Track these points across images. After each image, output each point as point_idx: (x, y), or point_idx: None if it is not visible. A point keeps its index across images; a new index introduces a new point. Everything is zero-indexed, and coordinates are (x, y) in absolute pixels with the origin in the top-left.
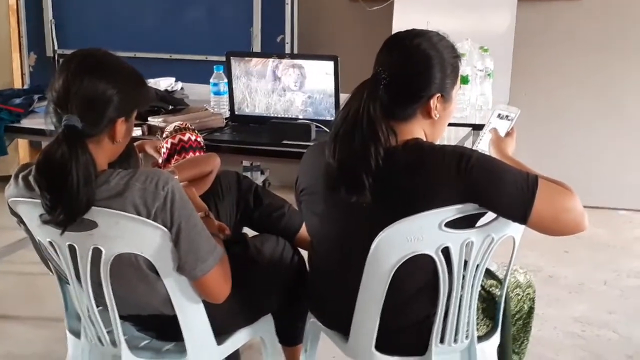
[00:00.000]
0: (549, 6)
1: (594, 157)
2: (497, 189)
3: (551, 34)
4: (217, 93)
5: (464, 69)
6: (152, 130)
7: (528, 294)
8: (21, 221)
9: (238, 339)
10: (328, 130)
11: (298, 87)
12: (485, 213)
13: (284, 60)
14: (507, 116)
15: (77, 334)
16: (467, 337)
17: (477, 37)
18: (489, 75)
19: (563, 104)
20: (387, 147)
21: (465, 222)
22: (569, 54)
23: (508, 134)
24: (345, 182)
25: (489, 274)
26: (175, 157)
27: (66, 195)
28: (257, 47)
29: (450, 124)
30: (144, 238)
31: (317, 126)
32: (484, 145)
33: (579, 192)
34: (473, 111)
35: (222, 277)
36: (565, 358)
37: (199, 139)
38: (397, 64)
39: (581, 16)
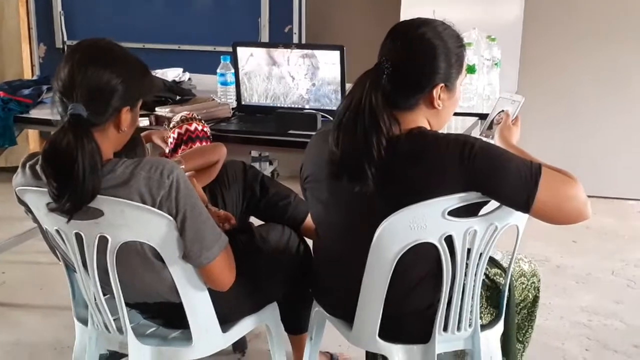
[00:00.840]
0: None
1: (602, 147)
2: (500, 177)
3: (560, 21)
4: (224, 83)
5: (471, 58)
6: (159, 121)
7: (533, 282)
8: (28, 210)
9: (243, 327)
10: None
11: (305, 77)
12: (489, 201)
13: (291, 50)
14: (511, 103)
15: (84, 322)
16: (470, 325)
17: (485, 27)
18: (496, 64)
19: (572, 92)
20: (389, 136)
21: (468, 211)
22: (578, 41)
23: (513, 122)
24: (348, 172)
25: (493, 262)
26: (182, 147)
27: (72, 183)
28: (265, 37)
29: (456, 114)
30: (150, 226)
31: (323, 116)
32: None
33: (587, 181)
34: (480, 101)
35: (227, 264)
36: (571, 347)
37: (205, 129)
38: (401, 54)
39: (590, 3)
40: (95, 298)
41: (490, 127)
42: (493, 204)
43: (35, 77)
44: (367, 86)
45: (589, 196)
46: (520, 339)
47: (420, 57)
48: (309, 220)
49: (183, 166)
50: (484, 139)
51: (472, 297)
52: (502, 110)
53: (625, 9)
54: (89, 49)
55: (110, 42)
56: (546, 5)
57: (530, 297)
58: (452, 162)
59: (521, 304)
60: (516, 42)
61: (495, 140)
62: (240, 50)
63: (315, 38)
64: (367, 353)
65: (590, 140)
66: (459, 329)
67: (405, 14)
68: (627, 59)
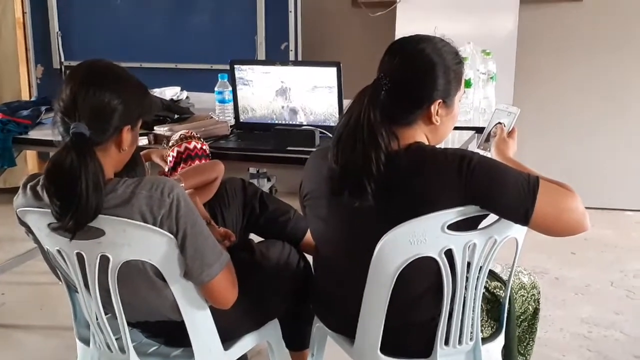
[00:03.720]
0: (551, 8)
1: (600, 158)
2: (499, 190)
3: (554, 35)
4: (222, 101)
5: (467, 72)
6: (158, 139)
7: (533, 295)
8: (29, 231)
9: (245, 344)
10: (332, 136)
11: (302, 94)
12: (488, 215)
13: (288, 67)
14: (507, 115)
15: (86, 342)
16: (471, 338)
17: (480, 41)
18: (491, 78)
19: (568, 105)
20: (388, 151)
21: (467, 224)
22: (572, 55)
23: (509, 135)
24: (348, 187)
25: (493, 275)
26: (182, 165)
27: (76, 201)
28: (261, 55)
29: (454, 128)
30: (151, 245)
31: (321, 132)
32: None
33: (585, 193)
34: (476, 114)
35: (229, 282)
36: (572, 359)
37: (204, 147)
38: (399, 70)
39: (583, 17)
40: (97, 318)
41: (487, 140)
42: (492, 217)
43: (33, 98)
44: (365, 102)
45: (586, 208)
46: (522, 352)
47: (418, 74)
48: (308, 236)
49: (182, 184)
50: (482, 152)
51: (473, 311)
52: (499, 123)
53: (620, 20)
54: (90, 69)
55: (110, 62)
56: (540, 19)
57: (531, 309)
58: (450, 176)
59: (522, 317)
60: (511, 55)
61: (492, 154)
62: (238, 68)
63: (311, 55)
64: None
65: (587, 152)
66: (460, 342)
67: (401, 31)
68: (623, 71)
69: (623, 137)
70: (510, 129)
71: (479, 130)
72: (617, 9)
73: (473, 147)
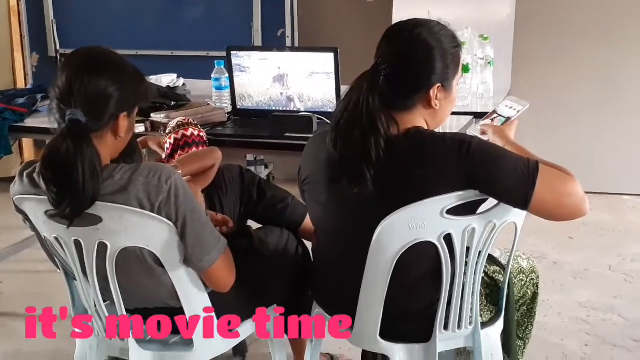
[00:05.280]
0: None
1: (597, 143)
2: (498, 174)
3: (551, 21)
4: (219, 88)
5: (465, 57)
6: (155, 127)
7: (532, 279)
8: (27, 218)
9: (244, 331)
10: (329, 123)
11: (299, 80)
12: (487, 199)
13: (285, 54)
14: (513, 108)
15: None
16: (470, 323)
17: (478, 26)
18: (489, 63)
19: (565, 90)
20: (387, 137)
21: (467, 209)
22: (569, 40)
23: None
24: (347, 174)
25: (492, 260)
26: (179, 152)
27: (73, 188)
28: (258, 41)
29: (451, 113)
30: (149, 232)
31: (318, 118)
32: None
33: (582, 178)
34: (474, 99)
35: (228, 266)
36: (571, 343)
37: (201, 134)
38: (398, 55)
39: (581, 2)
40: (95, 305)
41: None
42: (491, 201)
43: (29, 86)
44: (364, 88)
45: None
46: (521, 336)
47: (416, 58)
48: (307, 222)
49: (180, 171)
50: (480, 134)
51: (472, 295)
52: (500, 115)
53: (618, 5)
54: (86, 56)
55: (107, 49)
56: (537, 3)
57: (530, 293)
58: (450, 160)
59: (520, 301)
60: (508, 40)
61: (494, 138)
62: (235, 55)
63: (308, 41)
64: (365, 353)
65: (583, 136)
66: (459, 327)
67: (398, 16)
68: (619, 56)
69: (620, 121)
70: (512, 120)
71: (477, 115)
72: None
73: (471, 133)
